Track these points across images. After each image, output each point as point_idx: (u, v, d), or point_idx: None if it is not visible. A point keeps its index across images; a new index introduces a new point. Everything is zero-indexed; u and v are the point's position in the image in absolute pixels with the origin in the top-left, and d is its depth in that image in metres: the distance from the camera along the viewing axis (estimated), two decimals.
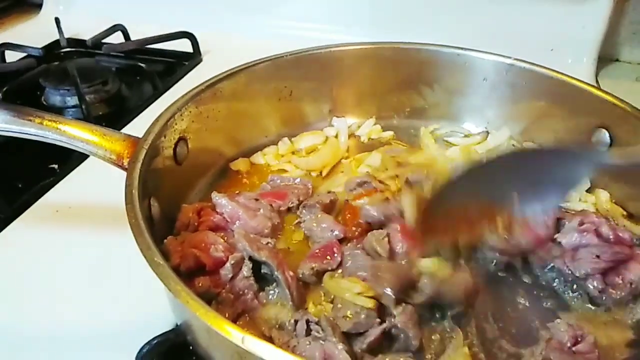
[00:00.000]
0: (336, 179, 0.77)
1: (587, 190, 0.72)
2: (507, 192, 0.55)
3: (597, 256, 0.57)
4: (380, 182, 0.72)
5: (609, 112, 0.69)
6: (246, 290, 0.55)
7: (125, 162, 0.56)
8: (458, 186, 0.54)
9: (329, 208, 0.69)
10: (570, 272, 0.58)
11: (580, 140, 0.73)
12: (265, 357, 0.37)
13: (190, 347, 0.53)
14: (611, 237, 0.60)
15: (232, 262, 0.56)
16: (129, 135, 0.59)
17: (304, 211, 0.68)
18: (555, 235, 0.63)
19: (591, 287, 0.57)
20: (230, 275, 0.55)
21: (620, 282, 0.57)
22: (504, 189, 0.55)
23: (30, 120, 0.56)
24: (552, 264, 0.60)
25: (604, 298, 0.57)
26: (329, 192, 0.72)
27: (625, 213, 0.68)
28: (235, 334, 0.38)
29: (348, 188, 0.73)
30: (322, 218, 0.66)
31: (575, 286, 0.59)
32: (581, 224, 0.62)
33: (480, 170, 0.54)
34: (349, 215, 0.67)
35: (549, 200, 0.55)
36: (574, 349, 0.49)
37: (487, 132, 0.83)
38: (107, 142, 0.57)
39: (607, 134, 0.70)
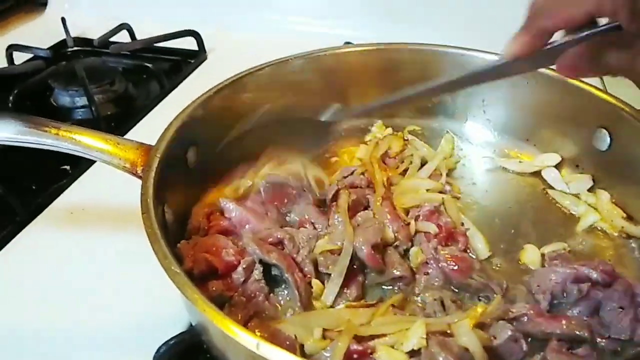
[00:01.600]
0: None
1: (589, 190, 0.74)
2: None
3: (621, 307, 0.53)
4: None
5: (609, 113, 0.70)
6: (257, 293, 0.57)
7: (139, 170, 0.58)
8: None
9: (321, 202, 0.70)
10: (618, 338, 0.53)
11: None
12: None
13: (205, 347, 0.55)
14: (599, 276, 0.56)
15: (244, 265, 0.58)
16: (142, 143, 0.60)
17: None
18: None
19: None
20: (242, 279, 0.57)
21: None
22: None
23: (46, 131, 0.58)
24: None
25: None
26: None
27: (625, 215, 0.69)
28: (250, 341, 0.40)
29: (337, 178, 0.74)
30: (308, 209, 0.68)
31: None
32: (576, 280, 0.56)
33: None
34: None
35: None
36: (572, 352, 0.50)
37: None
38: (121, 150, 0.59)
39: (607, 134, 0.71)
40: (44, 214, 0.77)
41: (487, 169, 0.81)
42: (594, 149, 0.73)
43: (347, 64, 0.83)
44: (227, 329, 0.41)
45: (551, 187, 0.76)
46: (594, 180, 0.74)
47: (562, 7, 0.47)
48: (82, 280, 0.66)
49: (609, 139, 0.71)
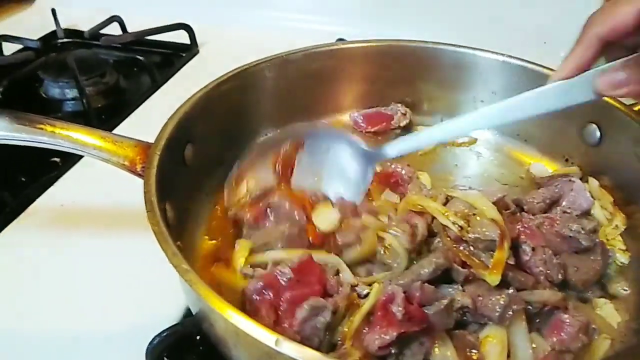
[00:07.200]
0: None
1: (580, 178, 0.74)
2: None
3: None
4: None
5: (598, 109, 0.71)
6: (312, 337, 0.51)
7: (139, 168, 0.56)
8: None
9: None
10: None
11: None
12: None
13: (197, 338, 0.56)
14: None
15: (312, 303, 0.50)
16: (140, 140, 0.59)
17: None
18: None
19: None
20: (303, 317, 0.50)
21: None
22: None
23: (42, 129, 0.56)
24: None
25: None
26: None
27: (612, 200, 0.70)
28: (268, 337, 0.39)
29: None
30: None
31: None
32: None
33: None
34: None
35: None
36: None
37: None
38: (119, 148, 0.58)
39: (597, 130, 0.72)
40: (34, 206, 0.76)
41: (479, 163, 0.82)
42: (584, 144, 0.74)
43: (342, 60, 0.83)
44: (241, 325, 0.40)
45: None
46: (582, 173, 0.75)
47: (615, 8, 0.46)
48: (72, 273, 0.66)
49: (598, 134, 0.72)
